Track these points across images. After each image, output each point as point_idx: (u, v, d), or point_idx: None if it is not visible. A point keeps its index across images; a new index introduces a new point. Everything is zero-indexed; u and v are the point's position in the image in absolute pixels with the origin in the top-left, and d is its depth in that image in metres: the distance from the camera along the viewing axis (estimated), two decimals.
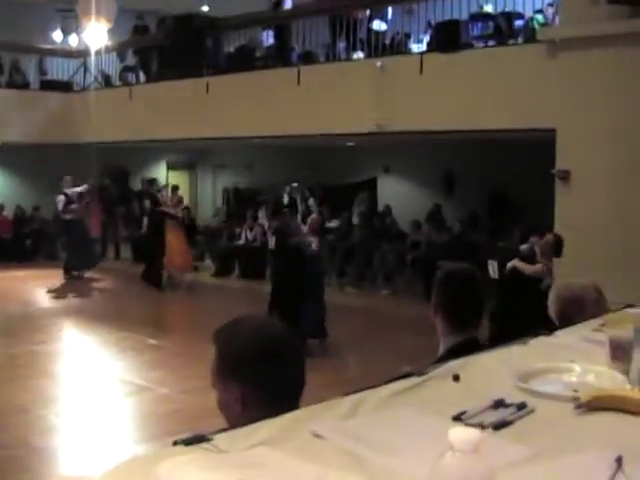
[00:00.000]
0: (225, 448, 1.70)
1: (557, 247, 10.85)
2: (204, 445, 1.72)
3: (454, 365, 2.36)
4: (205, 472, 1.53)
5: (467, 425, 1.80)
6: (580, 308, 4.25)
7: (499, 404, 2.01)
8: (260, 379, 2.32)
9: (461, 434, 1.28)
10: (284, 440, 1.76)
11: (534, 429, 1.91)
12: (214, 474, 1.51)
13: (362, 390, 2.13)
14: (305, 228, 12.93)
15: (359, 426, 1.85)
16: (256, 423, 1.89)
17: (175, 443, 1.74)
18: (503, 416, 1.94)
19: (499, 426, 1.87)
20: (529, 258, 10.86)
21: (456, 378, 2.23)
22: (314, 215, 14.49)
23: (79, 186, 19.42)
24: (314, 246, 12.39)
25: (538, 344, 2.73)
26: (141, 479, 1.55)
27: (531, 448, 1.75)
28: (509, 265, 10.89)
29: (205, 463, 1.59)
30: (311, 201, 21.54)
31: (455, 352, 3.18)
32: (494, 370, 2.34)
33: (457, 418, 1.91)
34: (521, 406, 2.01)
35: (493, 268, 12.13)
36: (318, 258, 12.69)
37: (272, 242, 13.51)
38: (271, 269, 14.64)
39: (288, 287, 12.06)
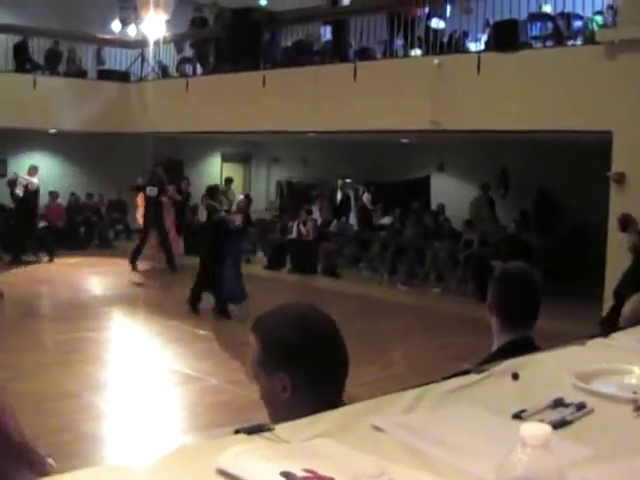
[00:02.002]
0: (286, 438, 1.71)
1: None
2: (266, 434, 1.73)
3: (513, 363, 2.35)
4: (267, 461, 1.53)
5: None
6: None
7: (558, 403, 2.00)
8: (306, 364, 2.32)
9: (533, 429, 1.28)
10: (344, 432, 1.77)
11: (593, 430, 1.89)
12: (276, 463, 1.51)
13: (421, 385, 2.13)
14: (234, 208, 15.41)
15: (419, 421, 1.85)
16: (316, 414, 1.89)
17: (237, 432, 1.75)
18: (563, 415, 1.92)
19: (559, 425, 1.86)
20: None
21: (515, 376, 2.22)
22: (242, 197, 16.80)
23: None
24: (237, 222, 14.71)
25: (596, 345, 2.71)
26: (203, 467, 1.56)
27: (591, 448, 1.74)
28: None
29: (267, 452, 1.59)
30: (365, 197, 21.54)
31: (508, 350, 3.17)
32: (553, 369, 2.33)
33: (517, 416, 1.91)
34: (580, 406, 2.00)
35: None
36: (239, 232, 14.84)
37: (204, 216, 15.06)
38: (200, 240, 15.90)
39: (211, 255, 14.05)
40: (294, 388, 2.31)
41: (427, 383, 2.16)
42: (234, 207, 15.68)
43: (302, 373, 2.31)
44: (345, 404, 2.23)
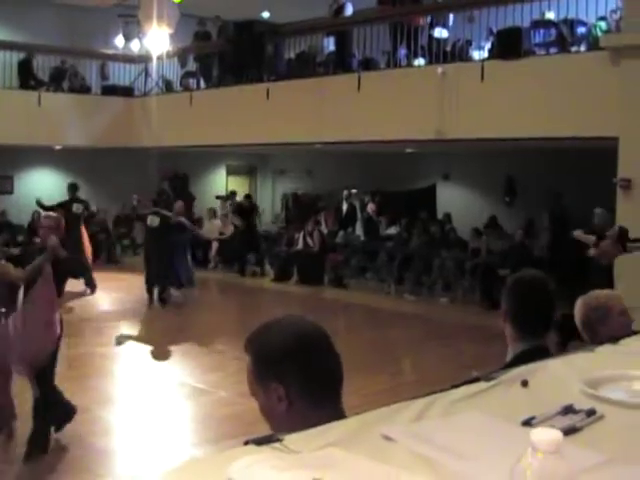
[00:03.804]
0: (296, 448, 1.71)
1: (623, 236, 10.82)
2: (275, 445, 1.73)
3: (522, 371, 2.35)
4: (278, 472, 1.54)
5: None
6: (605, 316, 4.24)
7: (568, 410, 2.00)
8: (299, 373, 2.33)
9: (544, 435, 1.27)
10: (354, 442, 1.77)
11: (604, 436, 1.89)
12: (287, 474, 1.52)
13: (430, 394, 2.13)
14: (175, 212, 17.41)
15: (429, 429, 1.85)
16: (326, 424, 1.90)
17: (246, 443, 1.75)
18: (572, 422, 1.92)
19: (569, 432, 1.85)
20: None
21: (524, 384, 2.22)
22: (180, 202, 18.34)
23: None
24: (184, 221, 17.37)
25: (605, 351, 2.71)
26: (214, 477, 1.56)
27: (602, 455, 1.74)
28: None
29: (277, 463, 1.59)
30: (369, 207, 21.53)
31: (523, 359, 3.15)
32: (562, 376, 2.33)
33: (526, 423, 1.90)
34: (590, 412, 1.99)
35: None
36: (185, 229, 17.31)
37: (156, 221, 16.66)
38: (149, 240, 17.45)
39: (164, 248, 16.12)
40: (289, 398, 2.31)
41: (436, 391, 2.16)
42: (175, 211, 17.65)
43: (294, 381, 2.32)
44: (345, 415, 2.23)
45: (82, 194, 23.39)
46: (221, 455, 1.73)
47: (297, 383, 2.32)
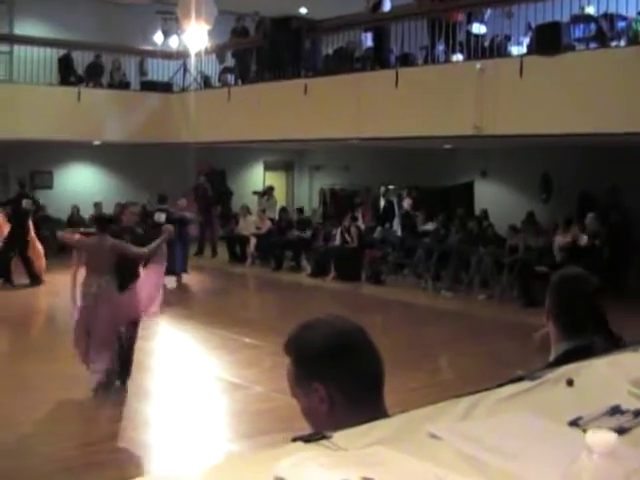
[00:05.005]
0: (343, 446, 1.71)
1: None
2: (323, 442, 1.73)
3: (567, 370, 2.33)
4: (326, 469, 1.53)
5: (584, 431, 1.77)
6: None
7: (615, 410, 1.98)
8: (341, 373, 2.31)
9: (599, 437, 1.26)
10: (401, 440, 1.76)
11: None
12: (335, 471, 1.51)
13: (475, 393, 2.12)
14: (178, 207, 19.13)
15: (475, 428, 1.84)
16: (372, 422, 1.89)
17: (294, 440, 1.75)
18: (620, 423, 1.90)
19: (617, 433, 1.84)
20: None
21: (570, 383, 2.20)
22: (183, 199, 20.03)
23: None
24: (187, 215, 19.26)
25: None
26: (262, 474, 1.56)
27: None
28: None
29: (326, 460, 1.59)
30: (406, 202, 21.50)
31: (566, 359, 3.12)
32: (608, 376, 2.31)
33: (573, 423, 1.89)
34: (638, 413, 1.97)
35: None
36: (186, 221, 18.92)
37: (162, 217, 17.23)
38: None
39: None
40: (331, 399, 2.30)
41: (481, 390, 2.15)
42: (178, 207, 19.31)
43: (335, 381, 2.31)
44: (387, 414, 2.22)
45: (119, 189, 23.65)
46: (268, 452, 1.73)
47: (338, 383, 2.31)
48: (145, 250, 10.14)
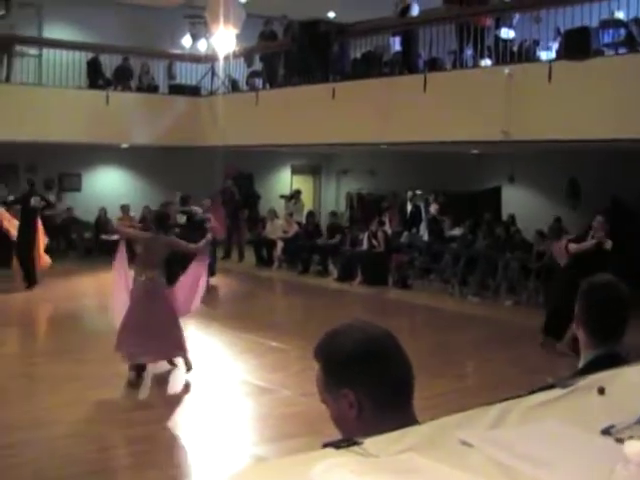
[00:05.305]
0: (375, 452, 1.71)
1: None
2: (354, 449, 1.73)
3: (598, 378, 2.32)
4: (359, 476, 1.53)
5: (617, 440, 1.77)
6: None
7: None
8: (369, 378, 2.30)
9: (638, 447, 1.26)
10: (432, 447, 1.76)
11: None
12: (367, 478, 1.51)
13: (505, 400, 2.11)
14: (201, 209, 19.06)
15: (507, 436, 1.83)
16: (403, 429, 1.89)
17: (325, 445, 1.75)
18: None
19: None
20: None
21: (601, 391, 2.19)
22: (207, 200, 20.04)
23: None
24: (198, 214, 18.63)
25: None
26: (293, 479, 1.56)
27: None
28: None
29: (358, 467, 1.59)
30: (432, 207, 21.46)
31: (596, 366, 3.10)
32: (639, 384, 2.30)
33: (606, 432, 1.88)
34: None
35: None
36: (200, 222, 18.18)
37: (183, 219, 18.17)
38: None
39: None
40: (360, 404, 2.29)
41: (512, 397, 2.14)
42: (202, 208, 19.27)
43: (365, 387, 2.30)
44: (417, 420, 2.22)
45: (146, 192, 23.76)
46: (299, 457, 1.73)
47: (367, 389, 2.31)
48: (195, 247, 11.04)
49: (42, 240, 18.27)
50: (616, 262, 11.76)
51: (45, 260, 18.35)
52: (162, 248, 10.57)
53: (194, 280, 11.11)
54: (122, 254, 10.89)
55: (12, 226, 18.27)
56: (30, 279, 17.60)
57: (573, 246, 12.72)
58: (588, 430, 1.89)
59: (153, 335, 10.35)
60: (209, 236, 11.77)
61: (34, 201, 17.97)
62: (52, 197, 21.95)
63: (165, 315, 10.62)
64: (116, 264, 10.95)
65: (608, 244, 11.56)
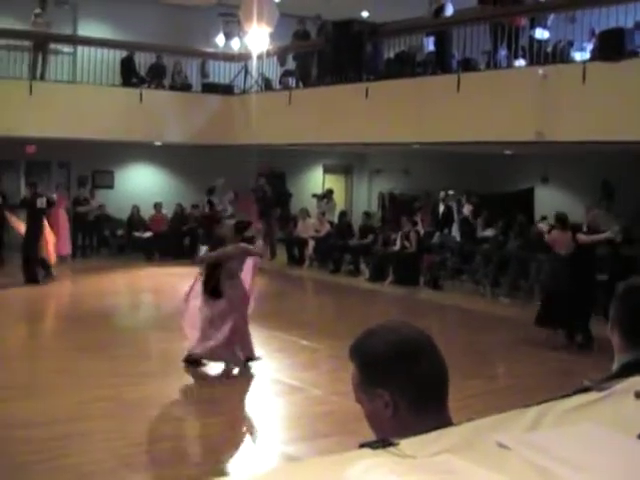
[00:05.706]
0: (411, 453, 1.71)
1: None
2: (391, 449, 1.73)
3: (635, 381, 2.31)
4: (396, 476, 1.54)
5: None
6: None
7: None
8: (404, 378, 2.30)
9: None
10: (469, 448, 1.76)
11: None
12: (406, 478, 1.52)
13: (542, 402, 2.11)
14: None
15: (544, 439, 1.83)
16: (440, 430, 1.89)
17: (361, 446, 1.76)
18: None
19: None
20: None
21: (638, 395, 2.18)
22: (231, 192, 21.39)
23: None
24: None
25: None
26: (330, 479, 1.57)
27: None
28: None
29: (395, 467, 1.60)
30: (465, 208, 21.40)
31: (630, 370, 3.08)
32: None
33: None
34: None
35: None
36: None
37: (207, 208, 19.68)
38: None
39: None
40: (395, 404, 2.29)
41: (548, 400, 2.14)
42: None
43: (399, 387, 2.30)
44: (451, 420, 2.22)
45: (179, 190, 23.88)
46: (335, 457, 1.73)
47: (402, 389, 2.30)
48: (258, 251, 12.08)
49: (51, 239, 18.63)
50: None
51: (53, 257, 18.72)
52: (241, 255, 11.34)
53: (252, 276, 11.81)
54: (197, 286, 11.50)
55: (20, 225, 18.59)
56: (31, 276, 17.91)
57: (583, 237, 12.81)
58: (626, 435, 1.89)
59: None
60: (260, 242, 12.84)
61: (40, 203, 18.19)
62: (86, 194, 22.16)
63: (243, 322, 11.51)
64: (189, 297, 11.59)
65: (618, 237, 11.63)
